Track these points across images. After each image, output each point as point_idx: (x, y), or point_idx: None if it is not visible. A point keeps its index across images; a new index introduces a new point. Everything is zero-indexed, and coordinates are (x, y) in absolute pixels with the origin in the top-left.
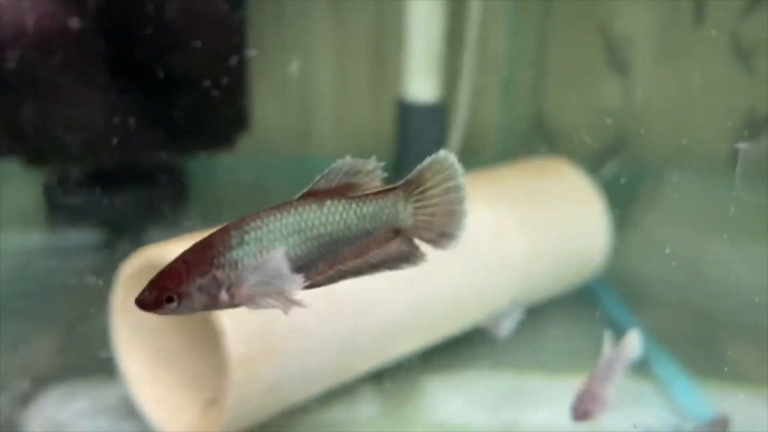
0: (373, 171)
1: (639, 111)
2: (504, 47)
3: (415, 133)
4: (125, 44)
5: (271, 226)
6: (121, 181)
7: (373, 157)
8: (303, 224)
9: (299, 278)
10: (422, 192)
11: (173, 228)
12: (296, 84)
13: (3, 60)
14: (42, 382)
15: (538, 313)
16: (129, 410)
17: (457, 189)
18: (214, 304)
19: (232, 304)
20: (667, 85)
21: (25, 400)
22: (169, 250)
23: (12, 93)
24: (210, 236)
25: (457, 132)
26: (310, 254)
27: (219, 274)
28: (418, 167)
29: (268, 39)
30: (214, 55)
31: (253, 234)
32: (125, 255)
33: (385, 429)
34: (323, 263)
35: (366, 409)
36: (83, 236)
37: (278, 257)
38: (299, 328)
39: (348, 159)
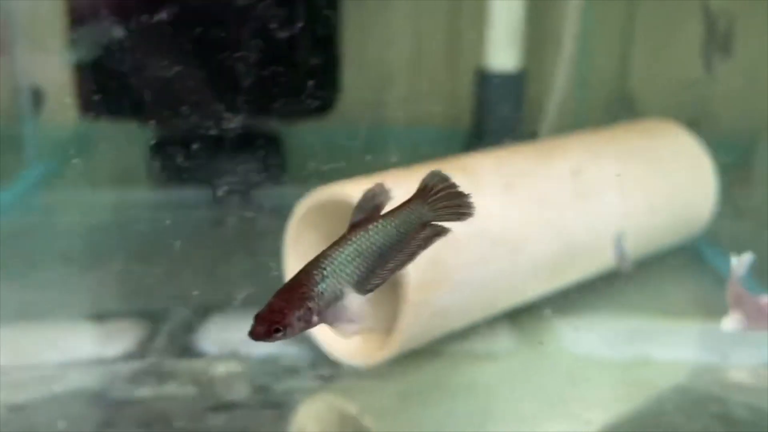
0: (388, 191)
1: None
2: (587, 15)
3: (495, 102)
4: (236, 16)
5: (340, 259)
6: (229, 144)
7: (384, 183)
8: (359, 250)
9: (361, 297)
10: (433, 194)
11: (274, 187)
12: (374, 55)
13: (120, 25)
14: (202, 312)
15: (652, 266)
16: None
17: (453, 185)
18: (309, 327)
19: (320, 323)
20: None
21: (190, 327)
22: (333, 191)
23: (129, 57)
24: (298, 276)
25: (554, 101)
26: (368, 269)
27: (311, 305)
28: (423, 180)
29: (347, 10)
30: (314, 27)
31: (329, 269)
32: (237, 210)
33: (525, 359)
34: (378, 270)
35: (504, 342)
36: (195, 194)
37: (350, 299)
38: (463, 263)
39: (370, 188)
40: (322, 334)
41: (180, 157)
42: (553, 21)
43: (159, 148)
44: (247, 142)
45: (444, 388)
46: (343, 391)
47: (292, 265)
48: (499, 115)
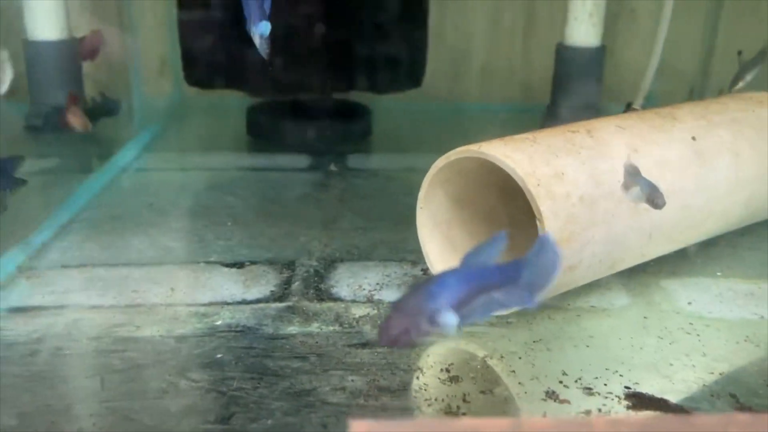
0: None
1: None
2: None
3: (576, 77)
4: (338, 5)
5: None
6: (326, 113)
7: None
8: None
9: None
10: None
11: (364, 154)
12: (451, 30)
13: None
14: (327, 263)
15: (755, 231)
16: (410, 286)
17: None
18: (427, 335)
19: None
20: None
21: (320, 275)
22: (469, 150)
23: (234, 30)
24: (415, 295)
25: (648, 76)
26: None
27: (426, 318)
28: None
29: None
30: (408, 4)
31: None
32: (335, 175)
33: (641, 315)
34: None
35: (619, 299)
36: (293, 159)
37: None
38: (593, 220)
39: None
40: None
41: (279, 123)
42: (630, 1)
43: (259, 116)
44: (343, 110)
45: (566, 337)
46: (473, 336)
47: (424, 222)
48: (579, 88)
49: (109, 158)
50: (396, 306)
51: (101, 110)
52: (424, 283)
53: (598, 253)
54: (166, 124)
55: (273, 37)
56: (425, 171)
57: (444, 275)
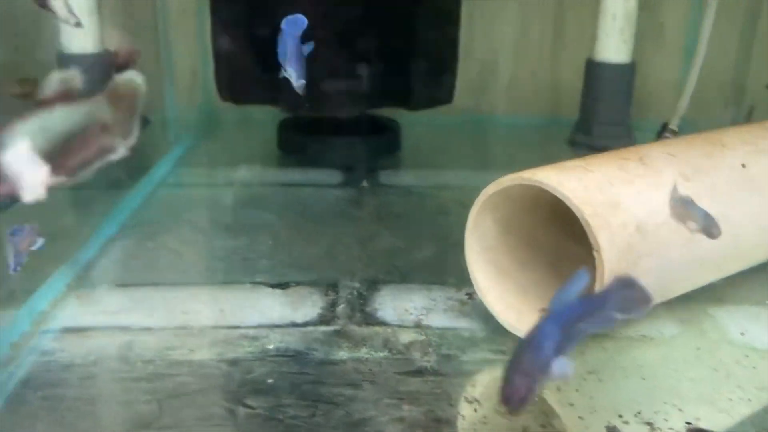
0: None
1: None
2: (692, 17)
3: (606, 92)
4: (373, 21)
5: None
6: (357, 128)
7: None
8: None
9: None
10: None
11: (395, 170)
12: (480, 44)
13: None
14: (370, 284)
15: None
16: (461, 310)
17: None
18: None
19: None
20: None
21: (364, 297)
22: (517, 179)
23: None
24: (526, 352)
25: (685, 97)
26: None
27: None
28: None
29: None
30: (441, 22)
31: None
32: (368, 191)
33: (692, 345)
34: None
35: (668, 328)
36: (323, 174)
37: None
38: (648, 250)
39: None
40: (504, 312)
41: (309, 139)
42: (656, 12)
43: (290, 132)
44: (372, 125)
45: (619, 368)
46: None
47: (472, 247)
48: (610, 104)
49: (146, 172)
50: (512, 368)
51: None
52: (529, 339)
53: (651, 282)
54: (197, 137)
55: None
56: (458, 189)
57: (542, 325)
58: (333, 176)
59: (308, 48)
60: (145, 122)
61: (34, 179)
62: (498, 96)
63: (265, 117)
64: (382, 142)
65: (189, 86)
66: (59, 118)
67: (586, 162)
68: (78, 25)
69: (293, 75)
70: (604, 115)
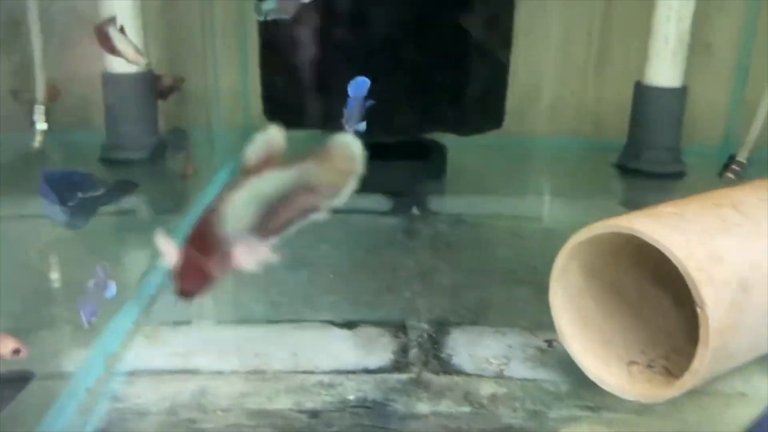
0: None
1: None
2: (744, 37)
3: (657, 117)
4: (420, 36)
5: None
6: (403, 152)
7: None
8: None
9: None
10: None
11: (444, 195)
12: (521, 68)
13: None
14: (439, 326)
15: None
16: (541, 359)
17: None
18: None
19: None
20: None
21: (436, 341)
22: (611, 228)
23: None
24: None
25: (755, 127)
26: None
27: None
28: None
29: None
30: (494, 50)
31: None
32: (419, 219)
33: None
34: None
35: (764, 385)
36: (373, 201)
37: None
38: (752, 306)
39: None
40: (590, 364)
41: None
42: (703, 32)
43: None
44: (419, 148)
45: (720, 428)
46: (623, 424)
47: (557, 293)
48: (660, 129)
49: (195, 197)
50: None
51: (176, 145)
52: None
53: (753, 339)
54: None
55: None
56: (510, 218)
57: None
58: (381, 202)
59: (370, 104)
60: (183, 137)
61: (250, 253)
62: (540, 118)
63: (306, 136)
64: (429, 166)
65: (231, 107)
66: (269, 185)
67: (677, 208)
68: (148, 66)
69: (354, 132)
70: (654, 140)
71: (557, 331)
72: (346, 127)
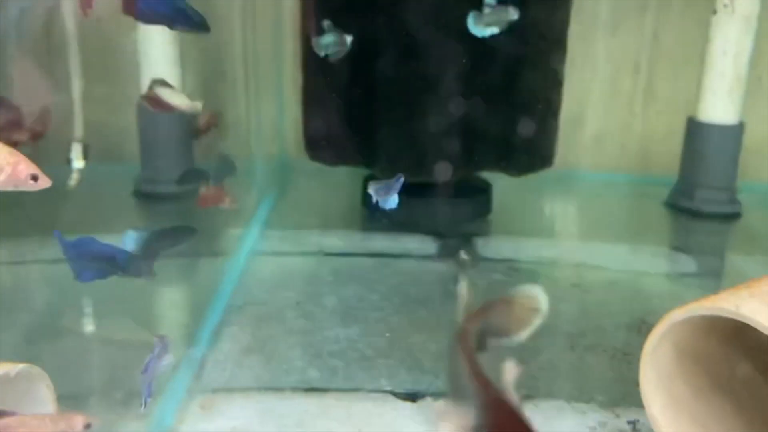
0: None
1: None
2: None
3: (711, 155)
4: (477, 84)
5: None
6: (447, 190)
7: None
8: None
9: None
10: None
11: (491, 237)
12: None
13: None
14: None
15: None
16: None
17: None
18: None
19: None
20: None
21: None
22: (713, 310)
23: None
24: None
25: None
26: None
27: None
28: None
29: None
30: (544, 90)
31: None
32: (468, 265)
33: None
34: None
35: None
36: (418, 243)
37: None
38: None
39: None
40: None
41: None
42: (754, 64)
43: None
44: (463, 186)
45: None
46: None
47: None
48: (715, 168)
49: (236, 236)
50: None
51: (221, 174)
52: None
53: None
54: (277, 194)
55: (397, 115)
56: (569, 266)
57: None
58: (427, 245)
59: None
60: (231, 168)
61: None
62: (585, 151)
63: (343, 170)
64: (475, 204)
65: (267, 139)
66: None
67: None
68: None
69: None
70: (708, 179)
71: (648, 417)
72: (381, 203)
